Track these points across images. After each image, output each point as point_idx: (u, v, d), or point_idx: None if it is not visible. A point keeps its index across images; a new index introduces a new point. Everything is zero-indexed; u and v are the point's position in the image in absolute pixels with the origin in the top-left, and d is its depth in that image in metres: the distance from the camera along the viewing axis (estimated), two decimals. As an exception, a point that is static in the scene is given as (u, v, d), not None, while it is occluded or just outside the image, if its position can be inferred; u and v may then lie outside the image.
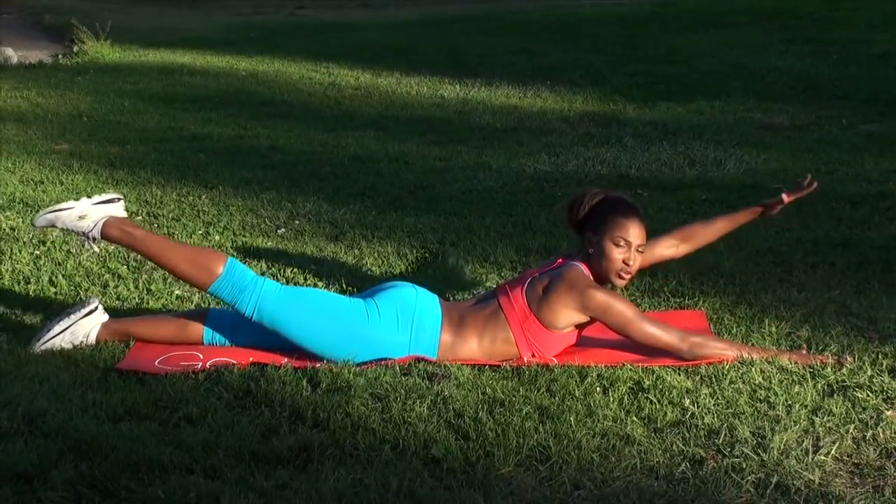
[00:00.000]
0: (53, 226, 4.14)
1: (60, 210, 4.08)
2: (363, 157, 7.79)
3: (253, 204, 6.53)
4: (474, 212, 6.28)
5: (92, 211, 4.08)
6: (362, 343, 4.05)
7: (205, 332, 4.27)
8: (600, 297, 4.06)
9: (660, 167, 7.32)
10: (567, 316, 4.09)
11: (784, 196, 4.40)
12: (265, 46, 13.60)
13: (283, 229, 6.01)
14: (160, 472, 3.23)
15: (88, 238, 4.09)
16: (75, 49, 13.43)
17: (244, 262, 5.32)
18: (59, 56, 13.22)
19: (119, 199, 4.20)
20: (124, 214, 4.24)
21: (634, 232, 4.15)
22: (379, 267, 5.32)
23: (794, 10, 14.60)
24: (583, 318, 4.11)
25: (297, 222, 6.14)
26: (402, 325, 4.08)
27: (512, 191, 6.77)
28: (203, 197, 6.67)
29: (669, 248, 4.46)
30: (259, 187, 6.91)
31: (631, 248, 4.14)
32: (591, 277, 4.16)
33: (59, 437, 3.43)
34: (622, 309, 4.06)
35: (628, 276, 4.18)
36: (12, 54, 13.04)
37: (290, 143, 8.34)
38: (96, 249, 4.10)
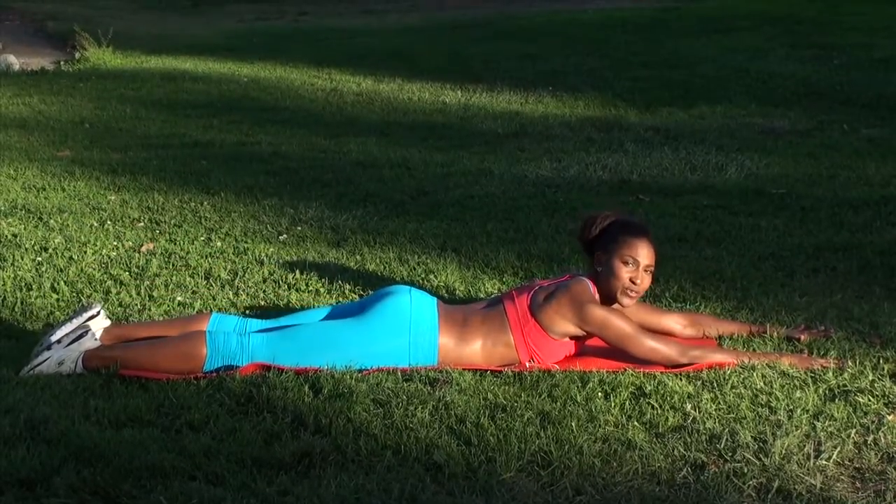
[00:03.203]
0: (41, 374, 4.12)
1: (40, 364, 4.09)
2: (365, 162, 7.79)
3: (255, 210, 6.53)
4: (476, 217, 6.29)
5: (66, 354, 4.10)
6: (361, 359, 4.06)
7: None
8: (599, 312, 4.09)
9: (661, 172, 7.32)
10: (564, 326, 4.12)
11: (801, 336, 4.38)
12: (267, 52, 13.62)
13: (285, 235, 6.02)
14: (162, 478, 3.23)
15: (75, 373, 4.10)
16: (77, 56, 13.44)
17: (246, 268, 5.35)
18: (62, 63, 13.24)
19: (89, 326, 4.17)
20: (106, 323, 4.22)
21: (643, 252, 4.18)
22: (381, 273, 5.32)
23: (796, 16, 14.61)
24: (579, 332, 4.14)
25: (299, 228, 6.14)
26: (397, 332, 4.09)
27: (514, 196, 6.78)
28: (205, 203, 6.68)
29: (677, 324, 4.48)
30: (261, 193, 6.92)
31: (639, 267, 4.17)
32: (597, 295, 4.20)
33: (61, 444, 3.43)
34: (620, 325, 4.08)
35: (635, 296, 4.20)
36: (14, 61, 13.06)
37: (292, 149, 8.35)
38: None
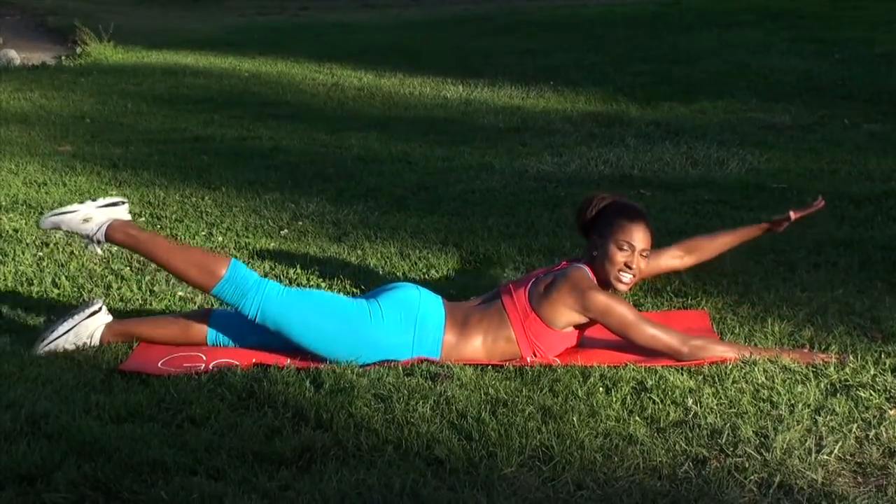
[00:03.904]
0: (58, 228, 4.17)
1: (65, 213, 4.10)
2: (366, 157, 7.79)
3: (256, 205, 6.53)
4: (477, 212, 6.28)
5: (96, 214, 4.10)
6: (366, 344, 4.06)
7: (208, 333, 4.28)
8: (601, 299, 4.07)
9: (663, 167, 7.32)
10: (566, 315, 4.10)
11: (791, 213, 4.41)
12: (268, 47, 13.60)
13: (286, 230, 6.02)
14: (163, 473, 3.23)
15: (93, 241, 4.10)
16: (78, 50, 13.44)
17: (247, 264, 5.34)
18: (63, 57, 13.24)
19: (123, 203, 4.21)
20: (128, 217, 4.25)
21: (639, 236, 4.16)
22: (382, 268, 5.32)
23: (797, 10, 14.60)
24: (582, 320, 4.12)
25: (300, 223, 6.14)
26: (405, 325, 4.09)
27: (515, 191, 6.77)
28: (206, 198, 6.68)
29: (674, 259, 4.50)
30: (262, 188, 6.91)
31: (634, 251, 4.15)
32: (595, 280, 4.17)
33: (62, 439, 3.43)
34: (623, 311, 4.07)
35: (630, 280, 4.19)
36: (15, 56, 13.06)
37: (293, 144, 8.35)
38: (100, 252, 4.12)
